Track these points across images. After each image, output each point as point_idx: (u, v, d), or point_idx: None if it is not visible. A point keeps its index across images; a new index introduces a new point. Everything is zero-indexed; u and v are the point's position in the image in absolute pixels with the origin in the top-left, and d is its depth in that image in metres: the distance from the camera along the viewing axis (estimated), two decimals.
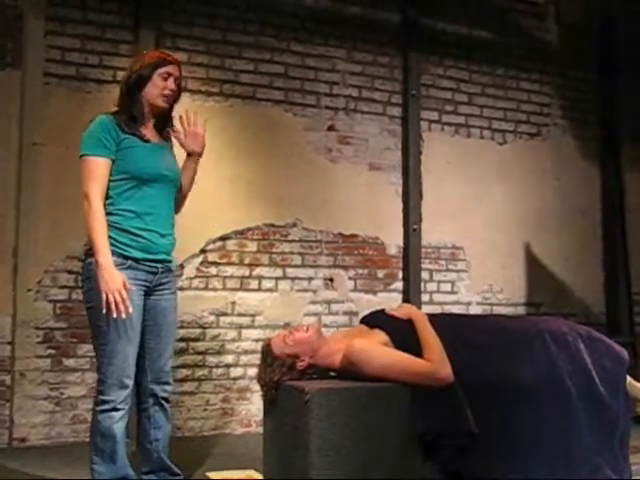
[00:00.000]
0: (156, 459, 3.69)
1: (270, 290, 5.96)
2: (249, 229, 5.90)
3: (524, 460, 3.35)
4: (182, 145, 3.89)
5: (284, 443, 3.49)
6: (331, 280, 6.17)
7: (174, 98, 3.73)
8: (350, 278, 6.24)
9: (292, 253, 6.05)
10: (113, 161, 3.51)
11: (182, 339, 5.60)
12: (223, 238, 5.81)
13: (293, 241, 6.06)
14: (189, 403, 5.63)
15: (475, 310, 6.65)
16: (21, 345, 5.19)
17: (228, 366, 5.78)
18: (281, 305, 5.96)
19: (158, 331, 3.66)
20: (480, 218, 6.72)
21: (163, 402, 3.71)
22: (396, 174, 6.47)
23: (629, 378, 3.67)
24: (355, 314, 6.06)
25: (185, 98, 5.61)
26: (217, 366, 5.74)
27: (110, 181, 3.50)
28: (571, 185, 7.17)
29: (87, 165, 3.48)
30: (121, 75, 4.19)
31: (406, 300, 6.26)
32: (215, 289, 5.78)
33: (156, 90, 3.63)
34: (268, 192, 5.94)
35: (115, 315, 3.30)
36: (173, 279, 3.78)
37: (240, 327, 5.83)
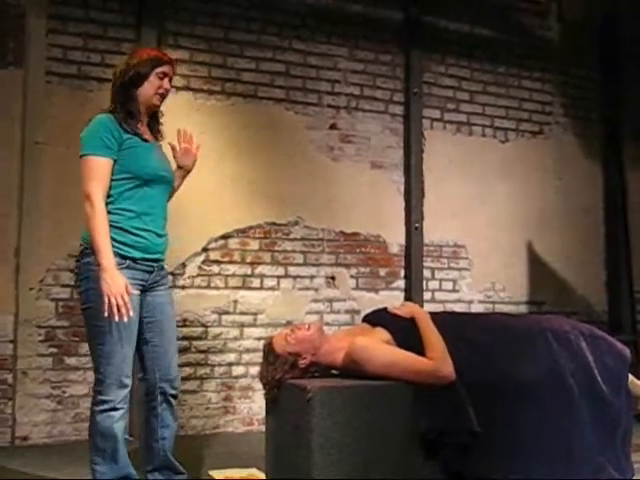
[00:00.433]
0: (162, 457, 3.68)
1: (272, 288, 5.96)
2: (251, 227, 5.90)
3: (526, 460, 3.35)
4: (175, 158, 3.94)
5: (286, 441, 3.49)
6: (333, 278, 6.17)
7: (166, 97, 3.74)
8: (352, 276, 6.24)
9: (294, 251, 6.05)
10: (115, 161, 3.49)
11: (184, 337, 5.60)
12: (225, 236, 5.81)
13: (295, 239, 6.06)
14: (191, 401, 5.64)
15: (477, 308, 6.65)
16: (23, 344, 5.20)
17: (230, 364, 5.78)
18: (283, 303, 5.97)
19: (160, 327, 3.65)
20: (482, 216, 6.72)
21: (171, 399, 3.71)
22: (398, 172, 6.47)
23: (631, 376, 3.67)
24: (357, 312, 6.06)
25: (187, 96, 5.68)
26: (219, 364, 5.75)
27: (111, 180, 3.48)
28: (573, 183, 7.17)
29: (89, 165, 3.44)
30: None
31: (408, 298, 6.26)
32: (217, 287, 5.78)
33: (152, 89, 3.63)
34: (270, 190, 5.94)
35: (117, 319, 3.28)
36: (166, 276, 3.79)
37: (242, 325, 5.83)
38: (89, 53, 5.49)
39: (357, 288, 6.25)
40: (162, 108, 3.76)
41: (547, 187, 7.07)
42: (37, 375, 5.23)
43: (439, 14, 6.70)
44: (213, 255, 5.78)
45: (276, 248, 5.99)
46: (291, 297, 6.01)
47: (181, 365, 5.52)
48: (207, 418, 5.68)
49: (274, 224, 5.98)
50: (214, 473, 4.35)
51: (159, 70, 3.63)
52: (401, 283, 6.42)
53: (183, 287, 5.65)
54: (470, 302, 6.68)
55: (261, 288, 5.92)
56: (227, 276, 5.82)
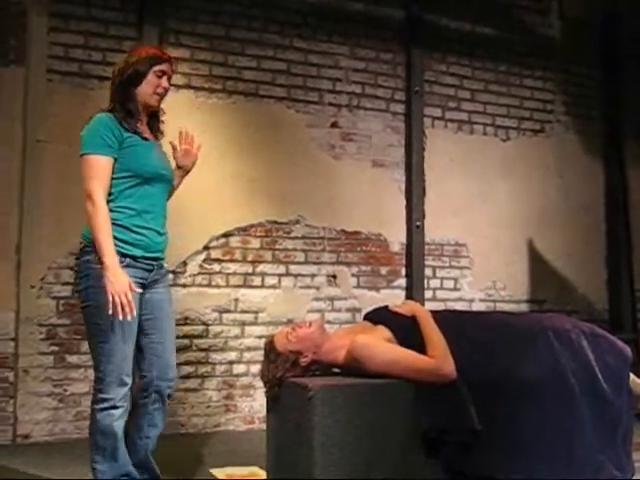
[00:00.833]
0: (141, 456, 3.66)
1: (273, 287, 5.97)
2: (252, 226, 5.90)
3: (527, 458, 3.35)
4: (174, 158, 3.95)
5: (287, 440, 3.49)
6: (334, 277, 6.17)
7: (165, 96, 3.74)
8: (353, 275, 6.24)
9: (295, 250, 6.05)
10: (115, 160, 3.49)
11: (185, 336, 5.61)
12: (226, 235, 5.81)
13: (296, 238, 6.06)
14: (192, 400, 5.64)
15: (478, 307, 6.65)
16: (24, 342, 5.20)
17: (231, 363, 5.78)
18: (284, 302, 5.97)
19: (159, 324, 3.65)
20: (483, 215, 6.72)
21: (165, 399, 3.70)
22: (399, 171, 6.47)
23: (632, 375, 3.67)
24: (358, 311, 6.06)
25: (188, 94, 5.68)
26: (220, 363, 5.75)
27: (112, 179, 3.48)
28: (574, 182, 7.17)
29: (90, 164, 3.44)
30: None
31: (409, 297, 6.26)
32: (218, 286, 5.78)
33: (150, 88, 3.62)
34: (271, 189, 5.94)
35: (121, 317, 3.28)
36: (166, 274, 3.79)
37: (243, 324, 5.83)
38: (90, 51, 5.49)
39: (358, 286, 6.25)
40: (163, 106, 3.75)
41: (548, 185, 7.07)
42: (38, 373, 5.23)
43: (440, 12, 6.69)
44: (214, 253, 5.78)
45: (277, 246, 6.00)
46: (292, 295, 6.02)
47: (182, 363, 5.55)
48: (208, 416, 5.69)
49: (275, 222, 5.99)
50: (215, 471, 4.35)
51: (157, 68, 3.63)
52: (402, 282, 6.42)
53: (184, 285, 5.65)
54: (471, 301, 6.67)
55: (262, 286, 5.93)
56: (228, 274, 5.82)
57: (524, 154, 7.00)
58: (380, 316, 3.75)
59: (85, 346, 5.16)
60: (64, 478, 4.26)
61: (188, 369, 5.63)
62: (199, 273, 5.72)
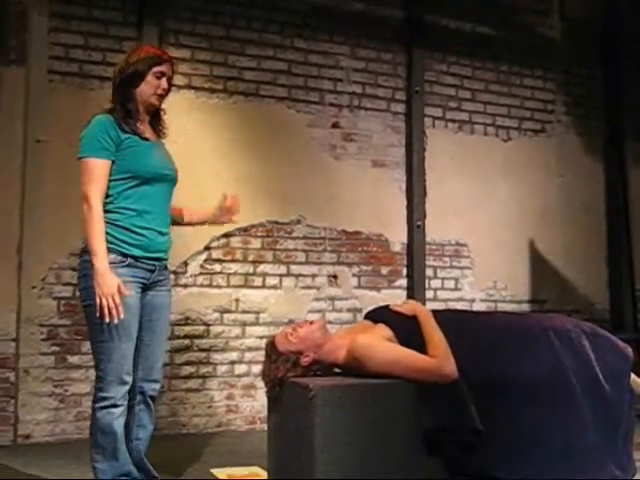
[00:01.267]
0: (134, 458, 3.65)
1: (274, 287, 5.97)
2: (253, 226, 5.90)
3: (528, 459, 3.35)
4: (215, 218, 4.02)
5: (288, 440, 3.49)
6: (335, 277, 6.17)
7: (166, 96, 3.73)
8: (354, 275, 6.24)
9: (296, 250, 6.05)
10: (113, 162, 3.50)
11: (186, 336, 5.61)
12: (227, 235, 5.81)
13: (297, 238, 6.06)
14: (194, 400, 5.64)
15: (479, 307, 6.65)
16: (25, 342, 5.21)
17: (232, 363, 5.78)
18: (285, 302, 5.97)
19: (153, 327, 3.66)
20: (484, 215, 6.71)
21: (149, 400, 3.70)
22: (400, 171, 6.47)
23: (633, 375, 3.66)
24: (359, 311, 6.06)
25: (189, 95, 5.68)
26: (221, 363, 5.75)
27: (110, 180, 3.49)
28: (575, 181, 7.17)
29: (87, 167, 3.46)
30: None
31: (410, 297, 6.26)
32: (219, 286, 5.78)
33: (150, 89, 3.62)
34: (272, 189, 5.94)
35: (107, 320, 3.31)
36: (168, 277, 3.79)
37: (244, 324, 5.83)
38: (91, 51, 5.50)
39: (359, 287, 6.25)
40: (164, 106, 3.76)
41: (549, 185, 7.07)
42: (39, 373, 5.23)
43: (441, 12, 6.69)
44: (215, 254, 5.78)
45: (278, 247, 6.00)
46: (293, 296, 6.02)
47: (183, 364, 5.56)
48: (209, 417, 5.69)
49: (276, 223, 5.99)
50: (216, 472, 4.35)
51: (157, 69, 3.62)
52: (403, 282, 6.42)
53: (185, 286, 5.65)
54: (472, 301, 6.67)
55: (263, 287, 5.93)
56: (229, 274, 5.82)
57: (525, 154, 7.00)
58: (381, 315, 3.75)
59: (86, 347, 5.17)
60: (65, 478, 4.26)
61: (189, 369, 5.63)
62: (200, 273, 5.72)
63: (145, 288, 3.58)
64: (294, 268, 6.05)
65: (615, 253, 7.25)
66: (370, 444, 3.30)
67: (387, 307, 3.82)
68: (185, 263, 5.64)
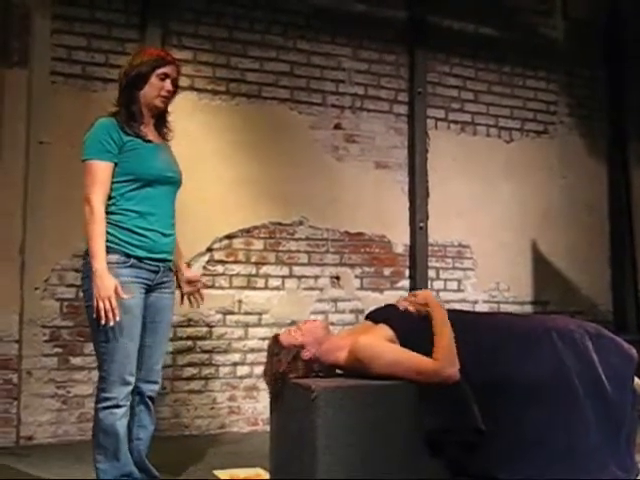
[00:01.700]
0: (135, 458, 3.66)
1: (277, 288, 5.96)
2: (255, 227, 5.90)
3: (530, 459, 3.34)
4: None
5: (291, 441, 3.49)
6: (337, 278, 6.16)
7: (171, 98, 3.73)
8: (357, 276, 6.24)
9: (298, 251, 6.05)
10: (115, 164, 3.52)
11: (189, 337, 5.62)
12: (229, 236, 5.81)
13: (299, 239, 6.06)
14: (196, 401, 5.64)
15: (482, 308, 6.64)
16: (28, 343, 5.21)
17: (235, 364, 5.78)
18: (288, 303, 5.96)
19: (155, 329, 3.68)
20: (487, 216, 6.71)
21: (148, 401, 3.72)
22: (402, 172, 6.47)
23: (636, 378, 3.65)
24: (361, 312, 6.05)
25: (191, 96, 5.68)
26: (224, 364, 5.75)
27: (113, 182, 3.52)
28: (578, 183, 7.16)
29: (89, 169, 3.49)
30: None
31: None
32: (222, 287, 5.78)
33: (154, 91, 3.63)
34: (274, 190, 5.94)
35: (103, 322, 3.33)
36: (172, 278, 3.80)
37: (247, 325, 5.83)
38: (93, 53, 5.50)
39: (362, 288, 6.25)
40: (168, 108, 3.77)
41: (552, 186, 7.06)
42: (42, 375, 5.23)
43: (443, 13, 6.69)
44: (217, 255, 5.79)
45: (280, 248, 6.00)
46: (296, 297, 6.01)
47: (185, 365, 5.56)
48: (212, 418, 5.69)
49: (278, 224, 5.99)
50: (219, 473, 4.35)
51: (160, 71, 3.63)
52: (406, 283, 6.42)
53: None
54: (475, 302, 6.67)
55: (266, 288, 5.93)
56: (231, 276, 5.82)
57: (527, 155, 7.00)
58: (382, 315, 3.75)
59: (88, 348, 5.17)
60: (67, 479, 4.26)
61: (192, 371, 5.63)
62: (202, 274, 5.70)
63: (149, 289, 3.60)
64: (296, 269, 6.04)
65: (618, 254, 7.24)
66: (372, 445, 3.30)
67: (389, 306, 3.82)
68: (187, 264, 5.63)
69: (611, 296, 7.23)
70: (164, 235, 3.63)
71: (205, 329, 5.70)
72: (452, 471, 3.38)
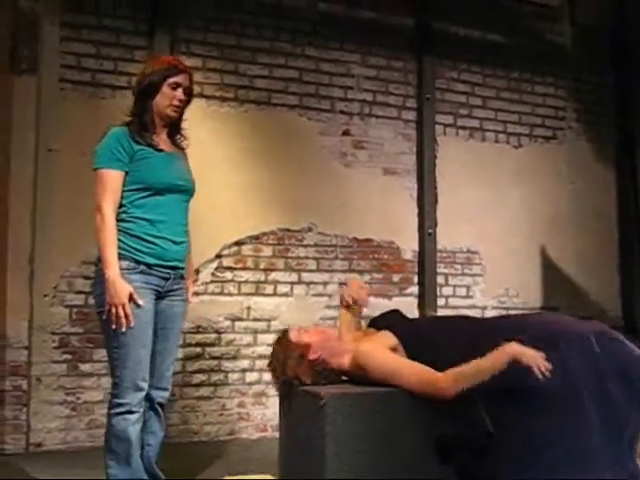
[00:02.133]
0: (144, 464, 3.65)
1: (285, 295, 5.97)
2: (264, 234, 5.91)
3: (534, 463, 3.33)
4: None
5: (299, 448, 3.49)
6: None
7: (184, 107, 3.73)
8: (365, 282, 6.23)
9: (307, 258, 6.06)
10: (126, 173, 3.54)
11: (198, 344, 5.62)
12: (238, 243, 5.82)
13: (308, 246, 6.06)
14: (205, 408, 5.64)
15: (491, 314, 6.61)
16: (37, 350, 5.22)
17: (244, 371, 5.78)
18: (297, 310, 5.96)
19: (166, 335, 3.68)
20: (495, 222, 6.71)
21: (158, 407, 3.72)
22: (411, 178, 6.47)
23: None
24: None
25: (200, 103, 5.68)
26: (233, 371, 5.75)
27: (124, 191, 3.54)
28: (586, 188, 7.15)
29: (101, 177, 3.52)
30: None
31: (421, 304, 6.26)
32: (230, 294, 5.79)
33: (166, 100, 3.64)
34: (283, 197, 5.95)
35: (114, 327, 3.37)
36: (183, 286, 3.80)
37: (255, 332, 5.84)
38: (102, 60, 5.52)
39: (370, 294, 6.23)
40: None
41: (560, 192, 7.06)
42: (51, 381, 5.24)
43: (451, 20, 6.70)
44: (226, 262, 5.79)
45: (289, 254, 6.00)
46: (305, 303, 6.02)
47: (195, 371, 5.57)
48: (221, 424, 5.69)
49: (287, 230, 5.99)
50: (228, 479, 4.35)
51: (171, 80, 3.63)
52: (414, 289, 6.41)
53: (196, 293, 5.64)
54: (484, 308, 6.66)
55: (274, 294, 5.93)
56: (240, 282, 5.83)
57: (536, 161, 7.00)
58: (385, 321, 3.74)
59: (98, 354, 5.19)
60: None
61: (201, 377, 5.64)
62: (211, 281, 5.73)
63: (159, 296, 3.60)
64: (305, 276, 6.05)
65: (627, 260, 7.23)
66: (381, 452, 3.29)
67: (393, 311, 3.82)
68: (196, 271, 5.64)
69: (620, 302, 7.22)
70: (175, 243, 3.63)
71: (214, 335, 5.71)
72: (461, 478, 3.38)
